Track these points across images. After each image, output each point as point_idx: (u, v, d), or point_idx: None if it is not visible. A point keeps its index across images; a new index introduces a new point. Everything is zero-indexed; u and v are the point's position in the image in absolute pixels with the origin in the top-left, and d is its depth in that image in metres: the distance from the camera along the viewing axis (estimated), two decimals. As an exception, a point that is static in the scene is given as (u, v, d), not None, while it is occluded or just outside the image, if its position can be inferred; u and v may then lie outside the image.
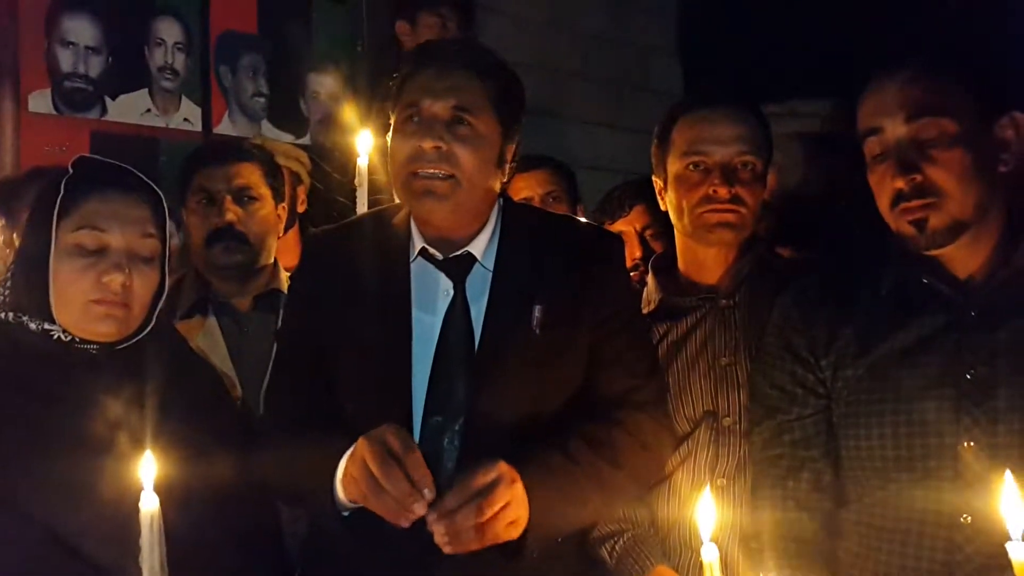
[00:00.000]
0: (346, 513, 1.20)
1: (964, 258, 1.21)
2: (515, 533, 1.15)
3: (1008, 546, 0.81)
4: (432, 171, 1.26)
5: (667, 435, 1.37)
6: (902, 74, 1.20)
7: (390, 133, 1.33)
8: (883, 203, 1.22)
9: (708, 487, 1.20)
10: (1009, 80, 1.24)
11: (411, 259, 1.34)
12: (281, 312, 1.70)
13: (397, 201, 1.58)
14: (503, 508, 1.12)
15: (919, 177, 1.16)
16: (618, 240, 1.47)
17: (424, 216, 1.31)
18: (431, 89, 1.28)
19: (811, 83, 1.75)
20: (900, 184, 1.17)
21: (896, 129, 1.19)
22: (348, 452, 1.18)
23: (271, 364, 1.49)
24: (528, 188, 2.15)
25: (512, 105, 1.34)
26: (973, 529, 1.14)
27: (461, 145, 1.27)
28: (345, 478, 1.17)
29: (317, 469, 1.19)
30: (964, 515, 1.14)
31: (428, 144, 1.26)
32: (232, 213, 1.75)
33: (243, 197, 1.77)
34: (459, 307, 1.29)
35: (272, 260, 1.85)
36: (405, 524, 1.11)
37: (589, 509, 1.27)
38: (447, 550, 1.11)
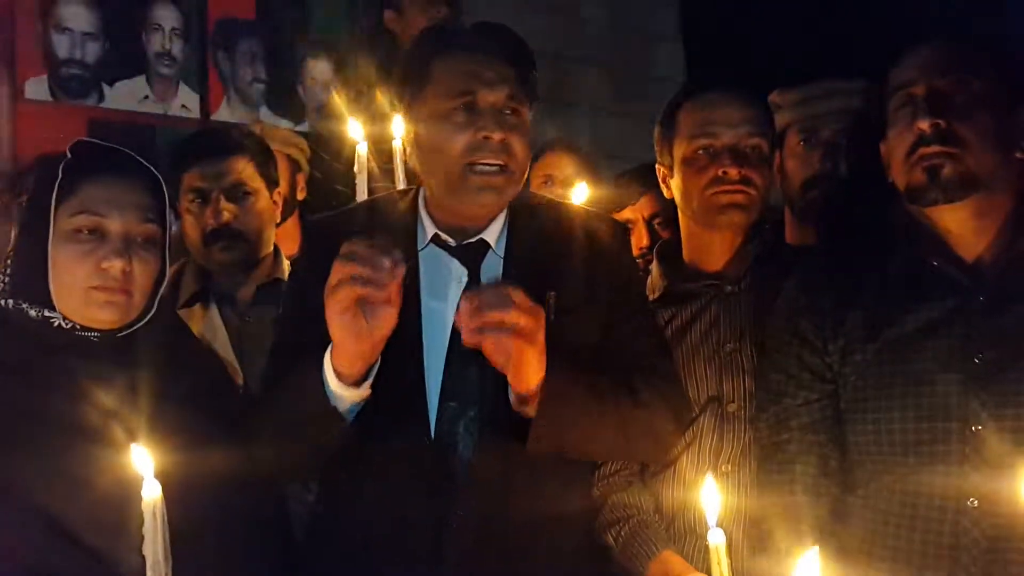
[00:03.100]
0: (349, 416, 1.18)
1: (970, 239, 1.21)
2: (534, 380, 1.15)
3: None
4: (493, 163, 1.25)
5: (684, 406, 1.37)
6: (936, 42, 1.23)
7: (421, 120, 1.29)
8: (900, 152, 1.22)
9: (712, 473, 1.20)
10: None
11: (420, 246, 1.33)
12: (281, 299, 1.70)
13: (399, 188, 1.57)
14: (528, 317, 1.11)
15: (944, 123, 1.17)
16: (624, 227, 1.47)
17: (474, 210, 1.30)
18: (484, 78, 1.26)
19: (814, 69, 1.73)
20: (924, 125, 1.18)
21: (930, 80, 1.20)
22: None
23: (269, 349, 1.48)
24: (552, 167, 2.16)
25: (536, 92, 1.34)
26: (980, 512, 1.14)
27: (515, 135, 1.26)
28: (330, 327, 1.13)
29: (303, 376, 1.18)
30: (971, 499, 1.14)
31: (497, 135, 1.24)
32: (227, 212, 1.71)
33: (237, 193, 1.73)
34: None
35: (272, 249, 1.83)
36: (382, 292, 1.09)
37: (603, 429, 1.25)
38: (470, 323, 1.09)
